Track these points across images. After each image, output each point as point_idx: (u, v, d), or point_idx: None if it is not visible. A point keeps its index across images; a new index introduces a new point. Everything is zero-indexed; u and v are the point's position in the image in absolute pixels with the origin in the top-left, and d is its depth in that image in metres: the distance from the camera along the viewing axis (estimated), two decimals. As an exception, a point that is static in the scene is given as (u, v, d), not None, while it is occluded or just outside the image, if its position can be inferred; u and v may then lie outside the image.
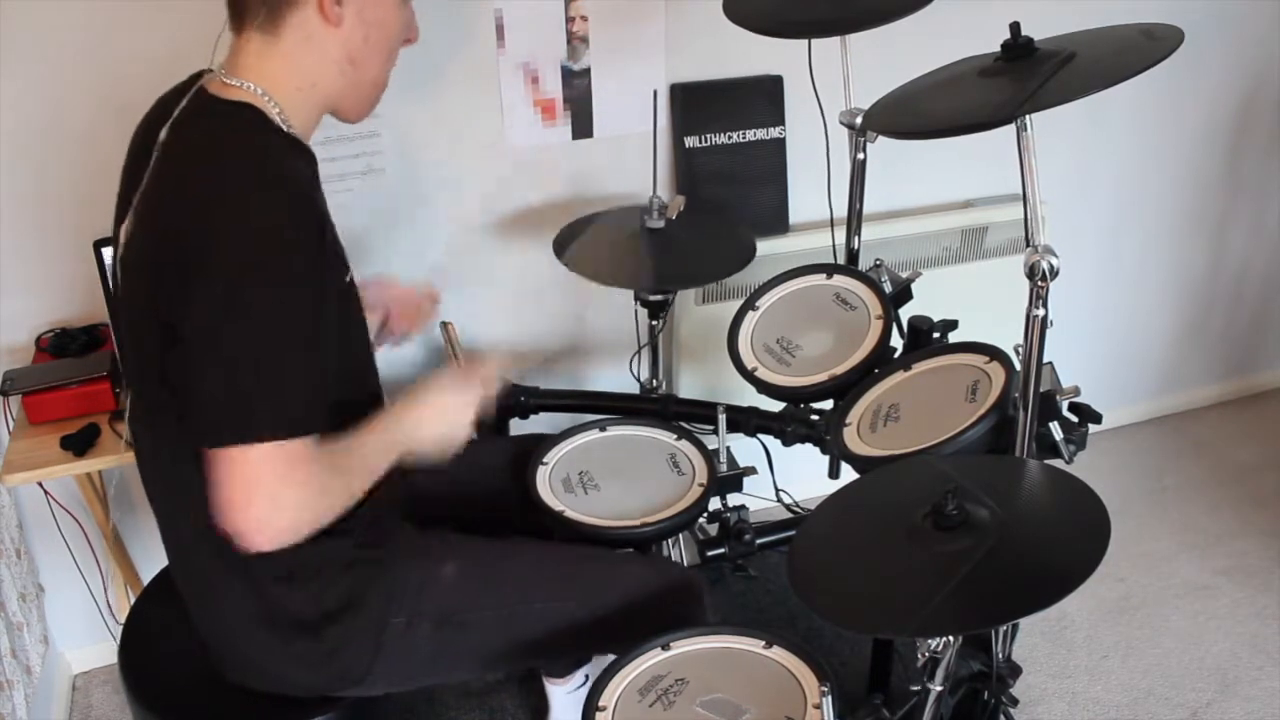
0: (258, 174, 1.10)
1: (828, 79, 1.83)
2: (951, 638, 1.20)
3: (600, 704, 1.22)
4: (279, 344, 1.07)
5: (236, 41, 1.18)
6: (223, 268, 1.05)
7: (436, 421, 1.30)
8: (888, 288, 1.75)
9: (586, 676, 1.81)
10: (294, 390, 1.08)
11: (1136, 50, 1.22)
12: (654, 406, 1.88)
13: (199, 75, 1.23)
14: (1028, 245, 1.29)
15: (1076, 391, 1.44)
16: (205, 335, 1.06)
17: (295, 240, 1.09)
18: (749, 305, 1.80)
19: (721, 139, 2.13)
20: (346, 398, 1.23)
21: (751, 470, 1.74)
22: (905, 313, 1.73)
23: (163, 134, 1.17)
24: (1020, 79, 1.25)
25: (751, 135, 2.15)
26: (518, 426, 1.90)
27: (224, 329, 1.06)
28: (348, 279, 1.24)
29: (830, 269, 1.79)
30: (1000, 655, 1.55)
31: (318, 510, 1.13)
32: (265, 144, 1.14)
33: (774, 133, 2.16)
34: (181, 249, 1.07)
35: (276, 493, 1.07)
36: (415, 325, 1.62)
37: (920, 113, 1.39)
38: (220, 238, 1.06)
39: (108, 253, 1.67)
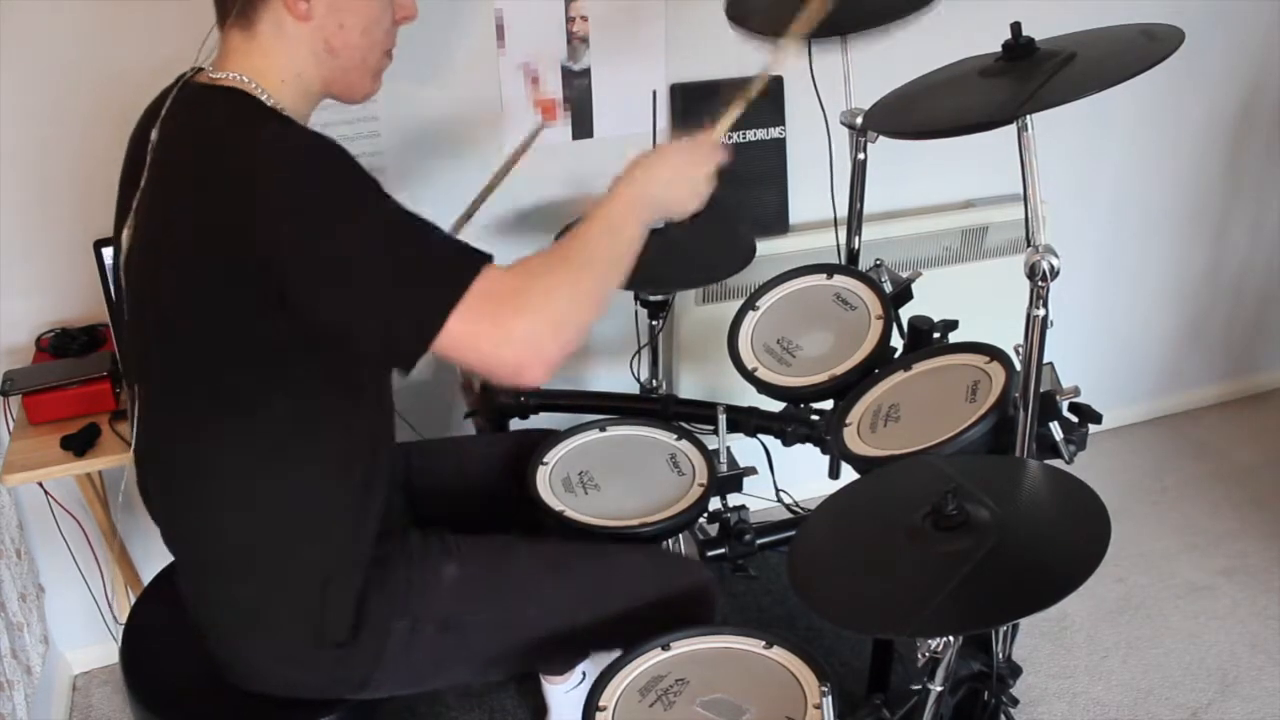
0: (275, 128, 1.10)
1: (828, 79, 1.83)
2: (951, 638, 1.20)
3: (600, 704, 1.22)
4: (393, 226, 1.07)
5: (221, 38, 1.19)
6: (299, 208, 1.04)
7: (678, 177, 1.26)
8: (888, 288, 1.75)
9: (584, 674, 1.81)
10: (435, 249, 1.08)
11: (1136, 50, 1.23)
12: (654, 406, 1.88)
13: (183, 77, 1.23)
14: (1028, 245, 1.29)
15: (1076, 391, 1.43)
16: (329, 273, 1.05)
17: (339, 152, 1.08)
18: (749, 305, 1.80)
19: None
20: None
21: (751, 470, 1.74)
22: (905, 313, 1.73)
23: (154, 132, 1.17)
24: (1020, 79, 1.25)
25: (751, 135, 2.15)
26: (518, 427, 1.90)
27: (335, 254, 1.05)
28: None
29: (830, 269, 1.79)
30: (1000, 655, 1.55)
31: (559, 303, 1.09)
32: (266, 110, 1.14)
33: (774, 133, 2.16)
34: (244, 218, 1.05)
35: (502, 331, 1.05)
36: None
37: (920, 113, 1.39)
38: (287, 187, 1.05)
39: (108, 253, 1.67)
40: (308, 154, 1.08)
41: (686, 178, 1.28)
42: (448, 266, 1.08)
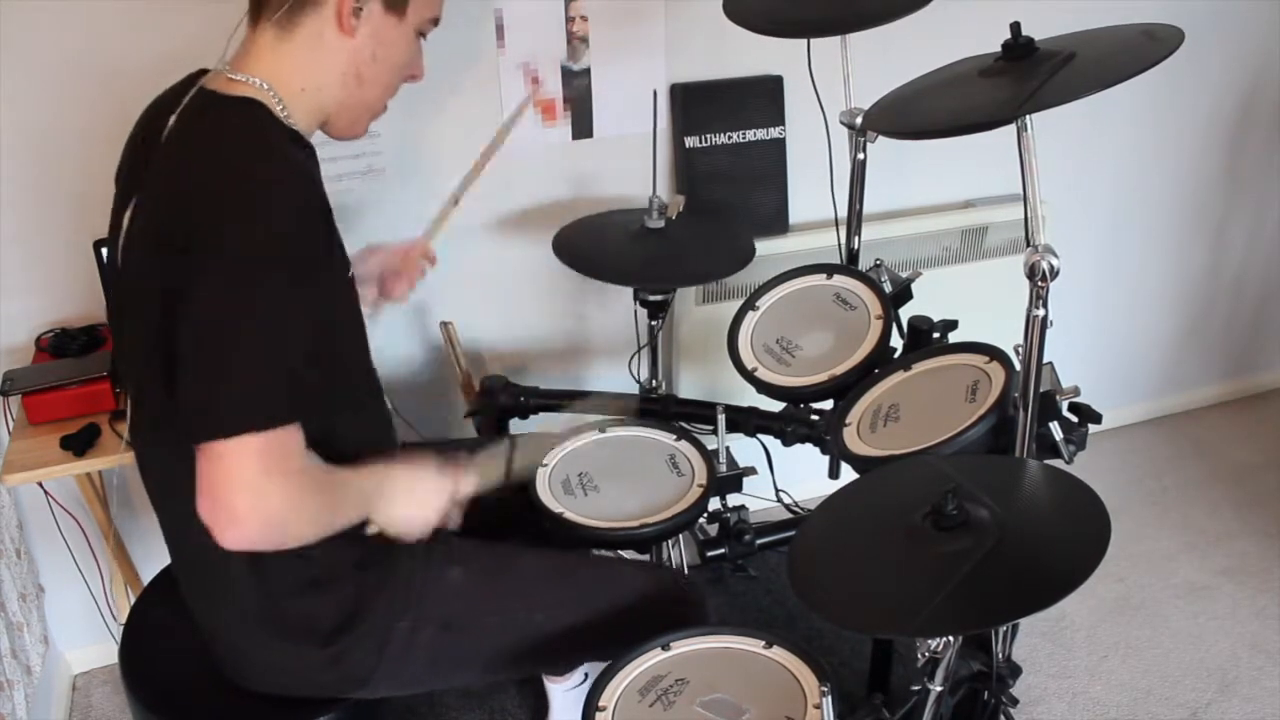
0: (267, 172, 1.10)
1: (828, 79, 1.83)
2: (951, 638, 1.20)
3: (600, 704, 1.22)
4: (267, 341, 1.07)
5: (250, 35, 1.19)
6: (221, 263, 1.05)
7: (405, 502, 1.28)
8: (888, 288, 1.75)
9: (585, 675, 1.81)
10: (277, 384, 1.07)
11: (1136, 50, 1.22)
12: (654, 407, 1.88)
13: (197, 74, 1.23)
14: (1028, 245, 1.29)
15: (1076, 391, 1.43)
16: (196, 332, 1.06)
17: (297, 241, 1.09)
18: (749, 305, 1.80)
19: (721, 139, 2.13)
20: (344, 391, 1.24)
21: (751, 470, 1.74)
22: (905, 313, 1.73)
23: (166, 132, 1.17)
24: (1020, 79, 1.25)
25: (751, 135, 2.15)
26: (518, 428, 1.90)
27: (215, 325, 1.06)
28: (349, 275, 1.24)
29: (830, 269, 1.79)
30: (1000, 655, 1.55)
31: (298, 515, 1.10)
32: (268, 139, 1.14)
33: (774, 133, 2.16)
34: (185, 240, 1.07)
35: (259, 485, 1.05)
36: (409, 284, 1.63)
37: (920, 113, 1.38)
38: (223, 235, 1.06)
39: (108, 253, 1.67)
40: (274, 221, 1.07)
41: (419, 515, 1.29)
42: (287, 398, 1.08)
